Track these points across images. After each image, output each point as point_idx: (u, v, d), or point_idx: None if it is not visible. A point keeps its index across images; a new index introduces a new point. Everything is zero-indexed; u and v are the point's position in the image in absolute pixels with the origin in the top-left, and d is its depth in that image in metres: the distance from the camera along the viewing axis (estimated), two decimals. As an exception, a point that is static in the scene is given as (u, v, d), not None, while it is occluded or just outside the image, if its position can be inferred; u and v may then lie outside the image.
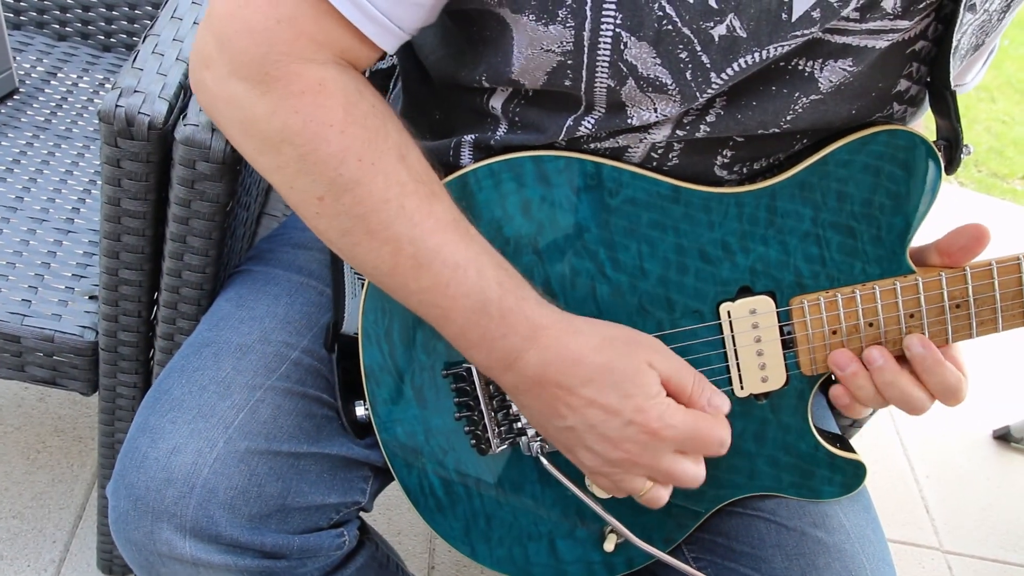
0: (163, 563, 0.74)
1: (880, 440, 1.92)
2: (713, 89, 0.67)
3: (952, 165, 0.73)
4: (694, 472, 0.70)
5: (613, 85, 0.67)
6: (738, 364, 0.77)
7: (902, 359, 0.75)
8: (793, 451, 0.80)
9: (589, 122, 0.70)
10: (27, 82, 1.25)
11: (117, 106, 0.77)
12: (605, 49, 0.65)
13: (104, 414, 1.05)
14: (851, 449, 0.83)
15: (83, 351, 0.96)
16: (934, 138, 0.74)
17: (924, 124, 0.87)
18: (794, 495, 0.82)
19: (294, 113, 0.64)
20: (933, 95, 0.73)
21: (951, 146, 0.73)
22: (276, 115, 0.65)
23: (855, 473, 0.82)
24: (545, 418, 0.70)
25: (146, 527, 0.73)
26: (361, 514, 0.86)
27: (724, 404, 0.71)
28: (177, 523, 0.72)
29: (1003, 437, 1.99)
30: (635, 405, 0.68)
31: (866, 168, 0.72)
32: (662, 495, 0.72)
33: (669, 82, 0.66)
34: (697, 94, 0.67)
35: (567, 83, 0.68)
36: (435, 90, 0.80)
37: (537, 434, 0.78)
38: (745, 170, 0.74)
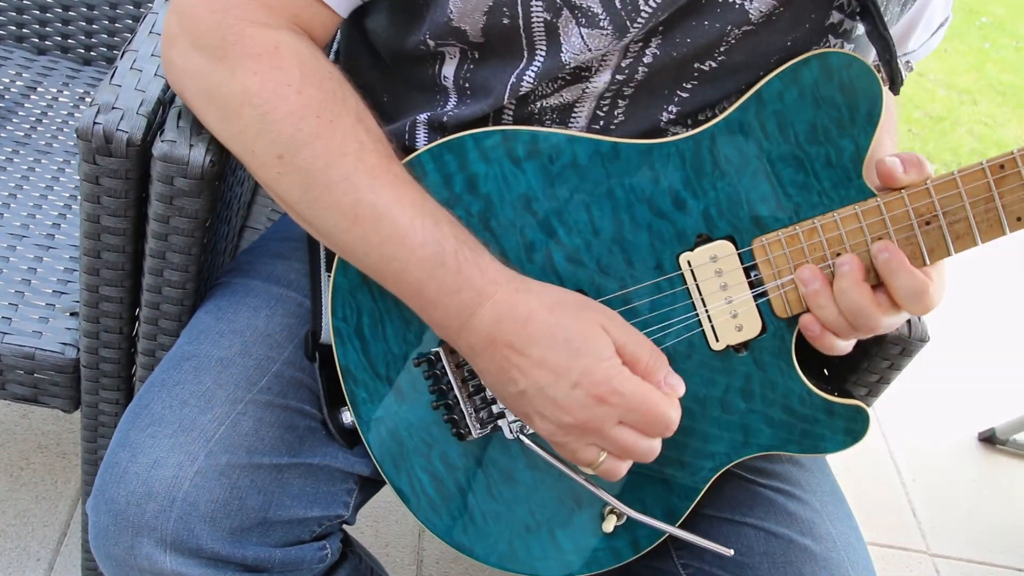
0: (144, 579, 0.74)
1: (866, 444, 1.91)
2: (643, 19, 0.68)
3: (895, 83, 0.73)
4: (646, 446, 0.69)
5: (549, 18, 0.69)
6: (708, 314, 0.75)
7: (878, 287, 0.71)
8: (786, 402, 0.77)
9: (531, 75, 0.72)
10: (6, 97, 1.25)
11: (95, 123, 0.76)
12: None
13: (87, 431, 1.04)
14: (848, 394, 0.78)
15: (64, 368, 0.96)
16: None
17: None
18: (797, 451, 0.78)
19: (252, 75, 0.68)
20: (863, 17, 0.73)
21: (889, 61, 0.72)
22: (235, 78, 0.68)
23: (855, 419, 0.77)
24: (501, 384, 0.70)
25: (126, 542, 0.73)
26: (347, 527, 0.86)
27: (680, 386, 0.70)
28: (157, 537, 0.72)
29: (988, 439, 2.00)
30: (583, 367, 0.67)
31: (803, 95, 0.71)
32: (618, 468, 0.70)
33: (600, 12, 0.69)
34: (627, 23, 0.68)
35: (505, 21, 0.70)
36: (383, 72, 0.82)
37: None
38: (691, 122, 0.75)
